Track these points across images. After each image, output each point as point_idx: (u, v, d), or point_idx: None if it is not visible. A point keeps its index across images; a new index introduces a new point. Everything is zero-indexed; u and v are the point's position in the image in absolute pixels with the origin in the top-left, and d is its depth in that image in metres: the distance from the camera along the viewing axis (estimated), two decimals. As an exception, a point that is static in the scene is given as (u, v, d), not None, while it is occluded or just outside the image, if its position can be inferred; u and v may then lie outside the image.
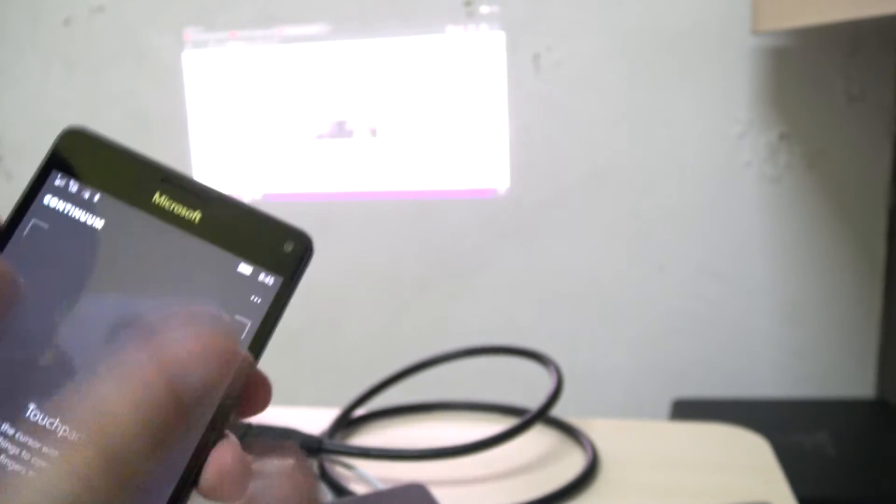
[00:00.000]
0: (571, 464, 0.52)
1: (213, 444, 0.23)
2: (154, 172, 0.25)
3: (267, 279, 0.24)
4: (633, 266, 1.26)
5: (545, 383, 0.53)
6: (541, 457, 0.54)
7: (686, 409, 1.16)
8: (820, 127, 1.17)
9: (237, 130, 1.36)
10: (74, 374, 0.23)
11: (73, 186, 0.24)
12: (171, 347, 0.22)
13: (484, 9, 1.24)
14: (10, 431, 0.22)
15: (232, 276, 0.24)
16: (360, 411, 0.60)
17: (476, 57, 1.25)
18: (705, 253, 1.23)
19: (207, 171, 1.39)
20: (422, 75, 1.28)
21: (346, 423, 0.58)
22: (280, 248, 0.24)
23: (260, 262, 0.24)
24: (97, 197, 0.24)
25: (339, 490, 0.49)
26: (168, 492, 0.22)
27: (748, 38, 1.15)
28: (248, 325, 0.24)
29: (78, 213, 0.24)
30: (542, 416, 0.51)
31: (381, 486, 0.48)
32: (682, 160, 1.21)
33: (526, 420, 0.50)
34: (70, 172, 0.24)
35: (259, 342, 0.24)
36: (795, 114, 1.17)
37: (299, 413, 0.61)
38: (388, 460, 0.50)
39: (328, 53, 1.30)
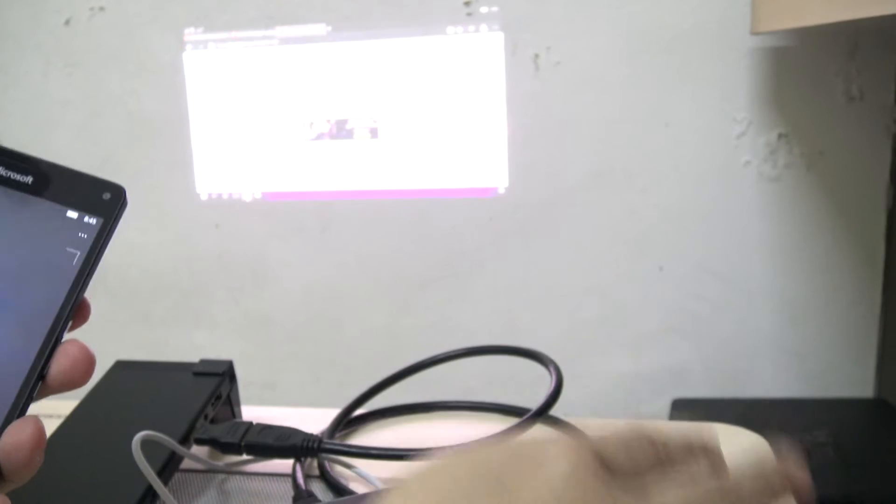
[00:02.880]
0: (571, 464, 0.52)
1: (58, 341, 0.30)
2: None
3: (90, 220, 0.31)
4: (633, 266, 1.26)
5: (545, 383, 0.53)
6: (541, 457, 0.53)
7: (686, 409, 1.16)
8: (819, 127, 1.17)
9: (237, 130, 1.36)
10: None
11: None
12: None
13: (484, 9, 1.24)
14: None
15: (62, 220, 0.31)
16: (360, 411, 0.60)
17: (476, 57, 1.25)
18: (705, 253, 1.23)
19: (208, 170, 1.39)
20: (422, 75, 1.28)
21: (346, 422, 0.58)
22: (100, 197, 0.32)
23: (84, 208, 0.31)
24: None
25: (339, 490, 0.49)
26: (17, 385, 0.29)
27: (748, 39, 1.15)
28: (78, 254, 0.31)
29: None
30: (542, 416, 0.51)
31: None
32: (681, 160, 1.21)
33: (526, 420, 0.50)
34: None
35: (86, 268, 0.31)
36: (795, 114, 1.17)
37: (299, 413, 0.61)
38: (388, 460, 0.50)
39: (328, 54, 1.30)
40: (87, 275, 0.31)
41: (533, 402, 0.52)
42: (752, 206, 1.20)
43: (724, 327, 1.24)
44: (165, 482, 0.46)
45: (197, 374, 0.55)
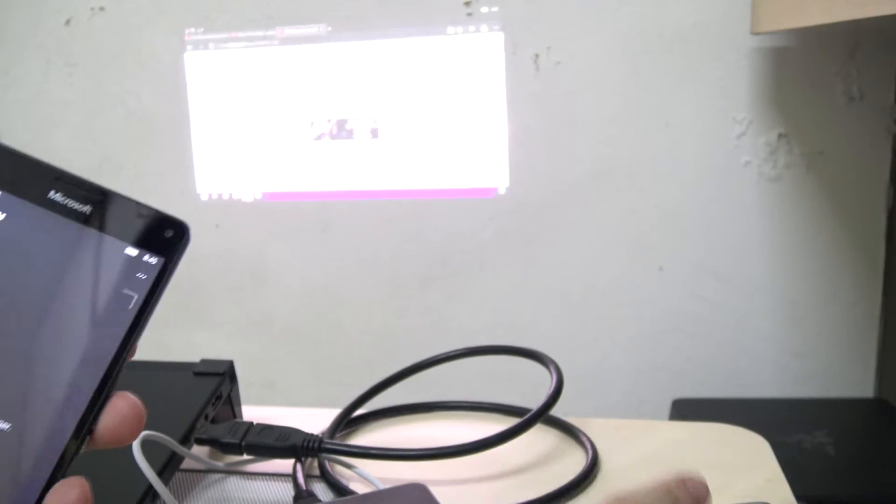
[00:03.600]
0: (571, 464, 0.52)
1: (109, 394, 0.27)
2: (48, 172, 0.29)
3: (150, 259, 0.29)
4: (633, 266, 1.26)
5: (545, 383, 0.53)
6: (541, 457, 0.54)
7: (686, 409, 1.16)
8: (819, 127, 1.17)
9: (237, 130, 1.36)
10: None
11: None
12: None
13: (484, 9, 1.24)
14: None
15: (120, 258, 0.28)
16: (360, 411, 0.60)
17: (476, 57, 1.25)
18: (705, 253, 1.23)
19: (208, 170, 1.39)
20: (422, 75, 1.28)
21: (347, 422, 0.58)
22: (161, 234, 0.29)
23: (143, 245, 0.29)
24: None
25: (340, 490, 0.49)
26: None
27: (748, 39, 1.15)
28: (135, 297, 0.28)
29: None
30: (542, 416, 0.51)
31: (382, 486, 0.48)
32: (681, 160, 1.22)
33: (526, 420, 0.50)
34: None
35: (143, 313, 0.28)
36: (795, 114, 1.17)
37: (300, 413, 0.61)
38: (388, 460, 0.50)
39: (328, 54, 1.30)
40: (144, 321, 0.28)
41: (533, 402, 0.53)
42: (752, 206, 1.20)
43: (724, 327, 1.24)
44: (166, 482, 0.46)
45: (197, 373, 0.55)
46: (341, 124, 1.32)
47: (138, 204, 0.29)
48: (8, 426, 0.27)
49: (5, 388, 0.27)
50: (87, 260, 0.28)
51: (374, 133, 1.31)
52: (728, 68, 1.18)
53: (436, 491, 0.41)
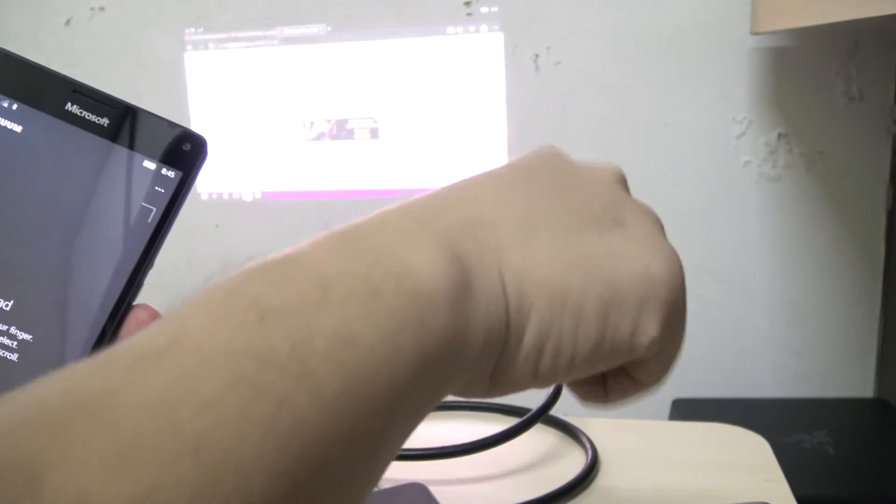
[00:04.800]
0: (571, 464, 0.52)
1: (129, 306, 0.28)
2: (66, 84, 0.29)
3: (168, 173, 0.28)
4: (633, 266, 1.26)
5: (545, 383, 0.53)
6: (541, 457, 0.54)
7: (686, 409, 1.15)
8: (819, 127, 1.17)
9: (237, 130, 1.36)
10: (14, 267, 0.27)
11: None
12: None
13: (484, 9, 1.24)
14: None
15: (138, 170, 0.28)
16: (360, 411, 0.60)
17: (476, 57, 1.25)
18: (705, 253, 1.23)
19: (208, 170, 1.39)
20: (422, 75, 1.28)
21: (347, 423, 0.58)
22: (180, 147, 0.29)
23: (162, 159, 0.28)
24: (15, 106, 0.28)
25: (340, 490, 0.49)
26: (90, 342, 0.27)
27: (748, 39, 1.15)
28: (154, 211, 0.28)
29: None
30: (542, 415, 0.51)
31: (381, 486, 0.48)
32: (681, 160, 1.22)
33: (526, 420, 0.50)
34: None
35: (162, 226, 0.28)
36: (795, 114, 1.17)
37: (299, 413, 0.61)
38: (389, 460, 0.50)
39: (328, 54, 1.30)
40: (163, 234, 0.28)
41: (533, 402, 0.52)
42: (752, 206, 1.20)
43: (724, 327, 1.24)
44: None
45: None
46: (341, 124, 1.32)
47: (157, 117, 0.29)
48: (30, 337, 0.27)
49: (26, 299, 0.27)
50: (105, 173, 0.28)
51: (374, 133, 1.31)
52: (728, 68, 1.18)
53: (436, 491, 0.41)
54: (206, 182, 1.39)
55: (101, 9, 1.38)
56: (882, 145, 1.16)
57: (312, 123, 1.33)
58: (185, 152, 0.29)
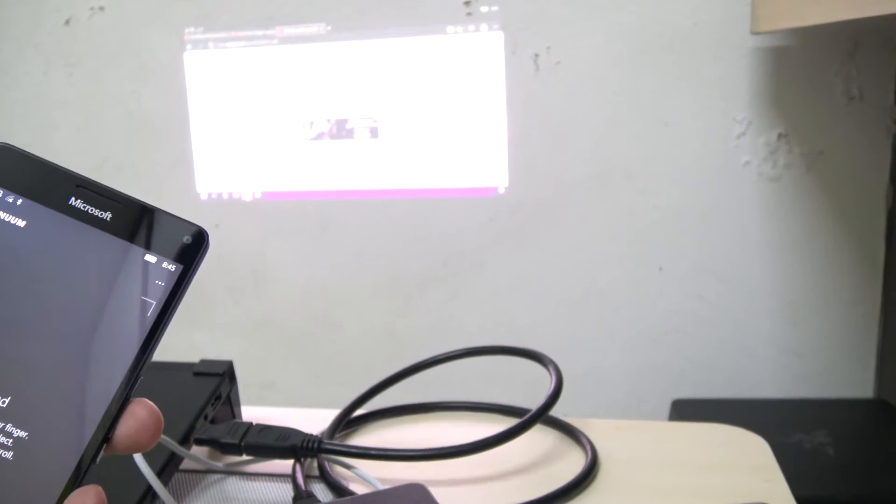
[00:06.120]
0: (571, 464, 0.52)
1: (127, 401, 0.28)
2: (69, 179, 0.29)
3: (169, 266, 0.29)
4: (633, 266, 1.26)
5: (545, 383, 0.53)
6: (541, 457, 0.54)
7: (686, 409, 1.16)
8: (819, 127, 1.17)
9: (237, 130, 1.36)
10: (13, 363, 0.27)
11: None
12: None
13: (484, 9, 1.24)
14: None
15: (140, 264, 0.28)
16: (360, 411, 0.60)
17: (476, 57, 1.25)
18: (705, 253, 1.23)
19: (208, 170, 1.39)
20: (422, 75, 1.28)
21: (346, 423, 0.58)
22: (180, 240, 0.29)
23: (162, 252, 0.29)
24: (20, 201, 0.28)
25: (339, 490, 0.49)
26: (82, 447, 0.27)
27: (748, 38, 1.15)
28: (153, 305, 0.28)
29: (3, 216, 0.28)
30: (542, 416, 0.51)
31: (381, 486, 0.48)
32: (681, 160, 1.22)
33: (526, 420, 0.50)
34: None
35: (162, 320, 0.28)
36: (794, 114, 1.17)
37: (299, 413, 0.61)
38: (388, 460, 0.50)
39: (328, 54, 1.30)
40: (162, 328, 0.28)
41: (533, 402, 0.52)
42: (752, 206, 1.20)
43: (724, 327, 1.24)
44: (165, 482, 0.46)
45: (197, 374, 0.55)
46: (341, 124, 1.32)
47: (158, 211, 0.29)
48: (26, 434, 0.26)
49: (23, 395, 0.27)
50: (106, 267, 0.28)
51: (374, 133, 1.31)
52: (728, 68, 1.18)
53: (435, 491, 0.41)
54: (206, 182, 1.39)
55: (101, 8, 1.38)
56: (882, 145, 1.16)
57: (312, 123, 1.33)
58: (185, 245, 0.29)
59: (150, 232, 0.29)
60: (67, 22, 1.40)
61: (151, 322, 0.28)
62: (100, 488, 0.26)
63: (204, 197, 1.40)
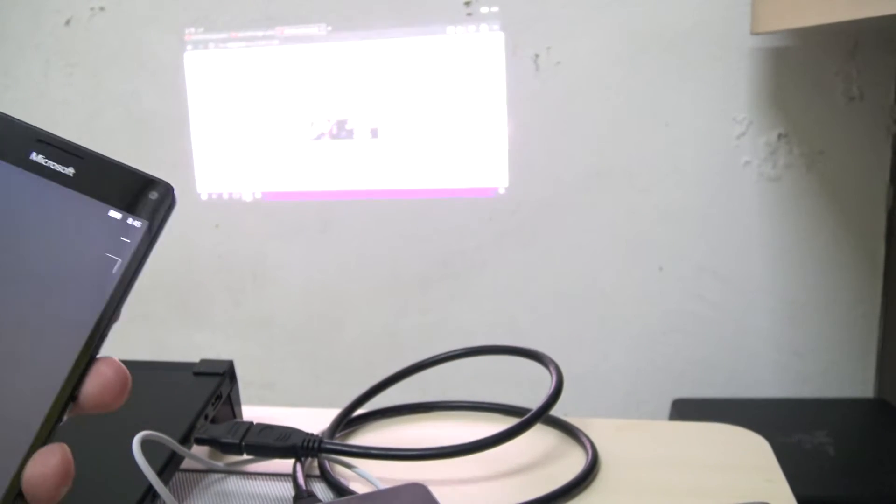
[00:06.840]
0: (572, 463, 0.52)
1: (93, 359, 0.27)
2: (30, 133, 0.28)
3: (134, 223, 0.28)
4: (633, 266, 1.26)
5: (545, 383, 0.53)
6: (541, 457, 0.54)
7: (686, 409, 1.16)
8: (819, 127, 1.17)
9: (237, 130, 1.36)
10: None
11: None
12: None
13: (484, 9, 1.24)
14: None
15: (103, 221, 0.28)
16: (360, 411, 0.60)
17: (476, 57, 1.25)
18: (705, 253, 1.23)
19: (208, 170, 1.39)
20: (422, 75, 1.28)
21: (347, 422, 0.58)
22: (146, 196, 0.28)
23: (128, 208, 0.28)
24: None
25: (339, 490, 0.49)
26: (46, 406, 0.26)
27: (748, 39, 1.15)
28: (119, 262, 0.27)
29: None
30: (541, 416, 0.51)
31: (381, 486, 0.48)
32: (681, 160, 1.22)
33: (526, 420, 0.50)
34: None
35: (127, 278, 0.27)
36: (795, 114, 1.17)
37: (299, 413, 0.61)
38: (388, 460, 0.50)
39: (328, 54, 1.30)
40: (128, 286, 0.28)
41: (533, 402, 0.52)
42: (752, 206, 1.20)
43: (724, 327, 1.24)
44: (166, 482, 0.46)
45: (197, 374, 0.55)
46: (341, 124, 1.32)
47: (122, 166, 0.28)
48: None
49: None
50: (69, 223, 0.27)
51: (374, 133, 1.31)
52: (728, 68, 1.18)
53: (436, 491, 0.41)
54: (206, 182, 1.39)
55: (101, 9, 1.38)
56: (882, 145, 1.16)
57: (312, 123, 1.33)
58: (151, 201, 0.28)
59: (114, 188, 0.28)
60: (68, 22, 1.40)
61: (116, 279, 0.27)
62: (65, 446, 0.26)
63: (204, 197, 1.40)
